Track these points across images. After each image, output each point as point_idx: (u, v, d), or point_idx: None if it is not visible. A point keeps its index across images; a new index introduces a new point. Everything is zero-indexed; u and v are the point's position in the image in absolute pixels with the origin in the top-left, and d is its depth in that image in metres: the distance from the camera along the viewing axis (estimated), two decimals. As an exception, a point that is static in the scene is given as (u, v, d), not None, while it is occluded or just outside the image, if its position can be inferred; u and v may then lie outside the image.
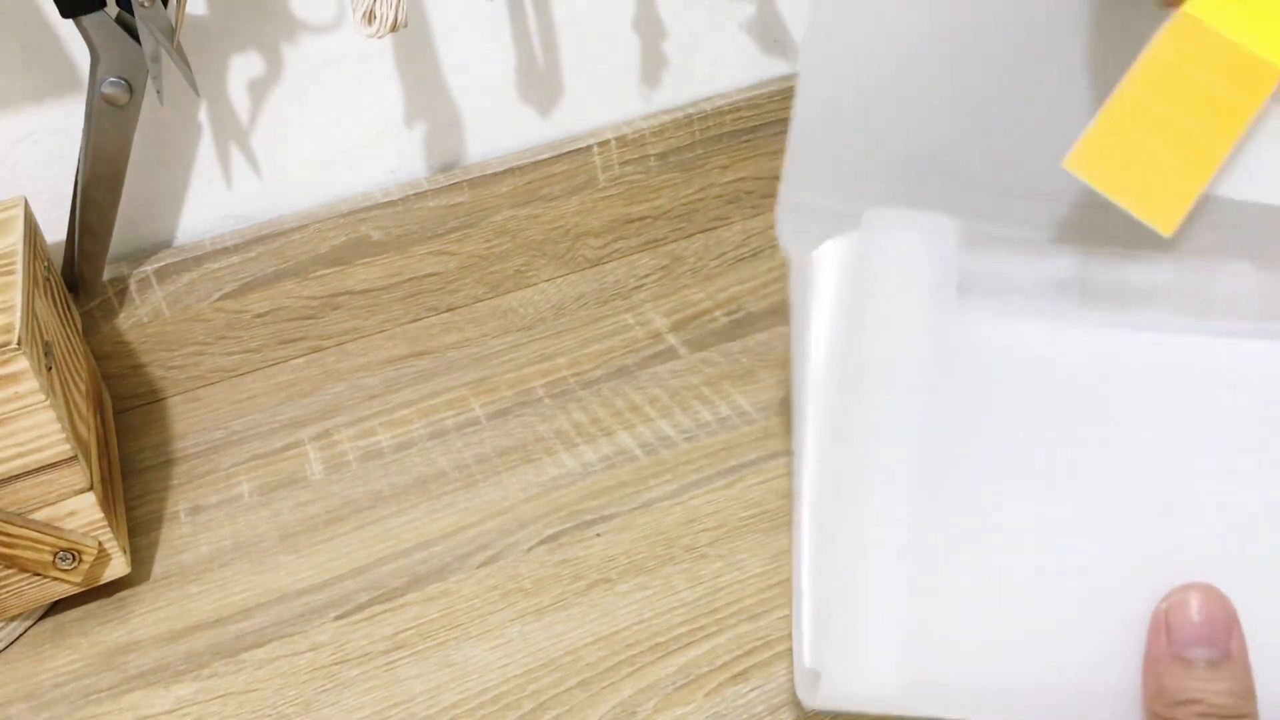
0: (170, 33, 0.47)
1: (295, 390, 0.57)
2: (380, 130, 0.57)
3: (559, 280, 0.61)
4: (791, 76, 0.63)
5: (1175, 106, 0.30)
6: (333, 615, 0.44)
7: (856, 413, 0.31)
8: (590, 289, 0.61)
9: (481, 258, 0.60)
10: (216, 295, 0.55)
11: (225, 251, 0.54)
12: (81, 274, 0.52)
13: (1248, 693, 0.28)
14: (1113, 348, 0.30)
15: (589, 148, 0.59)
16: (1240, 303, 0.31)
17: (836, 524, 0.31)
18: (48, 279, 0.48)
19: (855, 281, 0.32)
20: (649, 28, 0.60)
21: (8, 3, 0.48)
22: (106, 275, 0.53)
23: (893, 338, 0.31)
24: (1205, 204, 0.30)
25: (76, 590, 0.44)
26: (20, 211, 0.48)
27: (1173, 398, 0.30)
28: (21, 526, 0.42)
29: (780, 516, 0.46)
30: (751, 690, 0.40)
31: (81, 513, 0.43)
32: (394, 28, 0.46)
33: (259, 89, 0.54)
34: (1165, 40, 0.29)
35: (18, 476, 0.42)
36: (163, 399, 0.57)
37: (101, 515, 0.44)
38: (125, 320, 0.54)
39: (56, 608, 0.46)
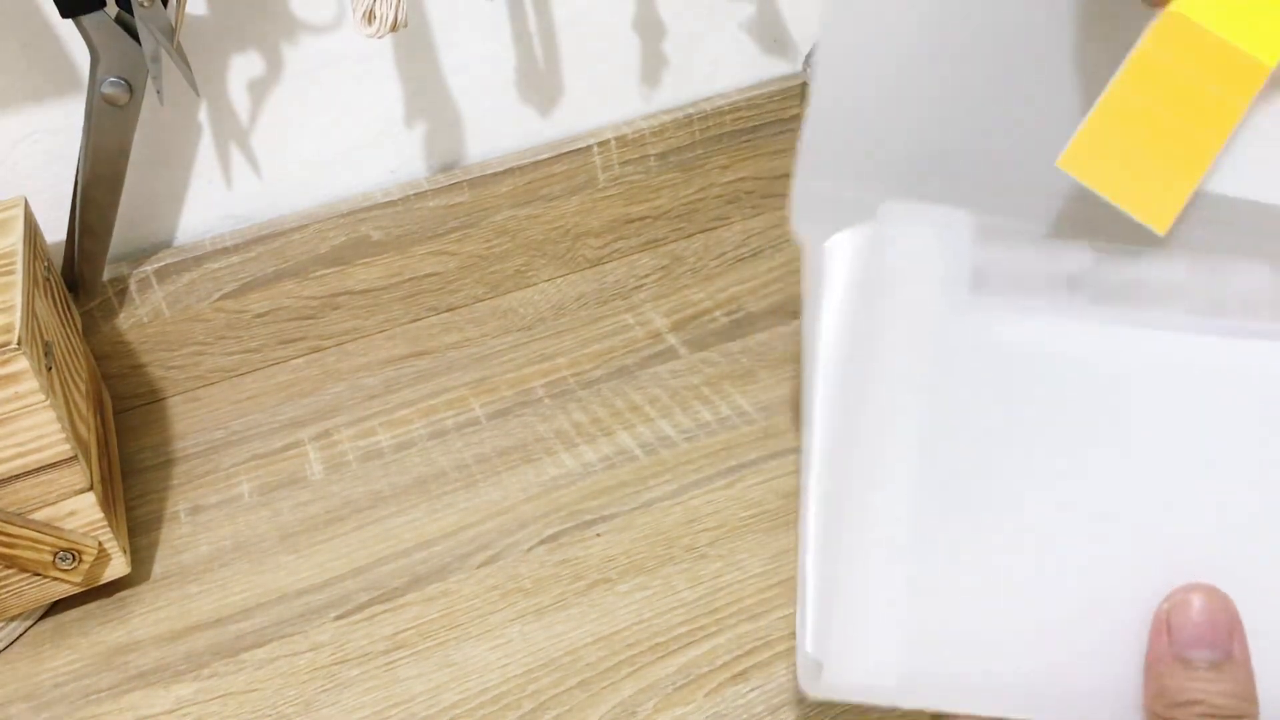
0: (170, 33, 0.47)
1: (295, 390, 0.57)
2: (380, 130, 0.57)
3: (559, 280, 0.61)
4: (792, 76, 0.63)
5: (1166, 104, 0.30)
6: (333, 615, 0.44)
7: (864, 406, 0.31)
8: (590, 289, 0.61)
9: (481, 258, 0.60)
10: (216, 295, 0.55)
11: (225, 251, 0.54)
12: (81, 274, 0.52)
13: (1249, 694, 0.28)
14: (1123, 346, 0.30)
15: (589, 148, 0.59)
16: (1254, 303, 0.31)
17: (842, 516, 0.31)
18: (48, 279, 0.48)
19: (867, 274, 0.32)
20: (649, 28, 0.60)
21: (8, 3, 0.48)
22: (106, 275, 0.53)
23: (904, 330, 0.31)
24: (1218, 203, 0.30)
25: (76, 590, 0.44)
26: (20, 211, 0.48)
27: (1182, 397, 0.30)
28: (21, 526, 0.42)
29: (780, 516, 0.46)
30: (751, 690, 0.40)
31: (81, 513, 0.43)
32: (394, 28, 0.46)
33: (259, 89, 0.54)
34: (1154, 38, 0.29)
35: (18, 476, 0.42)
36: (163, 399, 0.57)
37: (101, 515, 0.44)
38: (125, 320, 0.54)
39: (56, 608, 0.46)
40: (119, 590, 0.46)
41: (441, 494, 0.49)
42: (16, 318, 0.41)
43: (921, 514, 0.31)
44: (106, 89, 0.47)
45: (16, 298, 0.42)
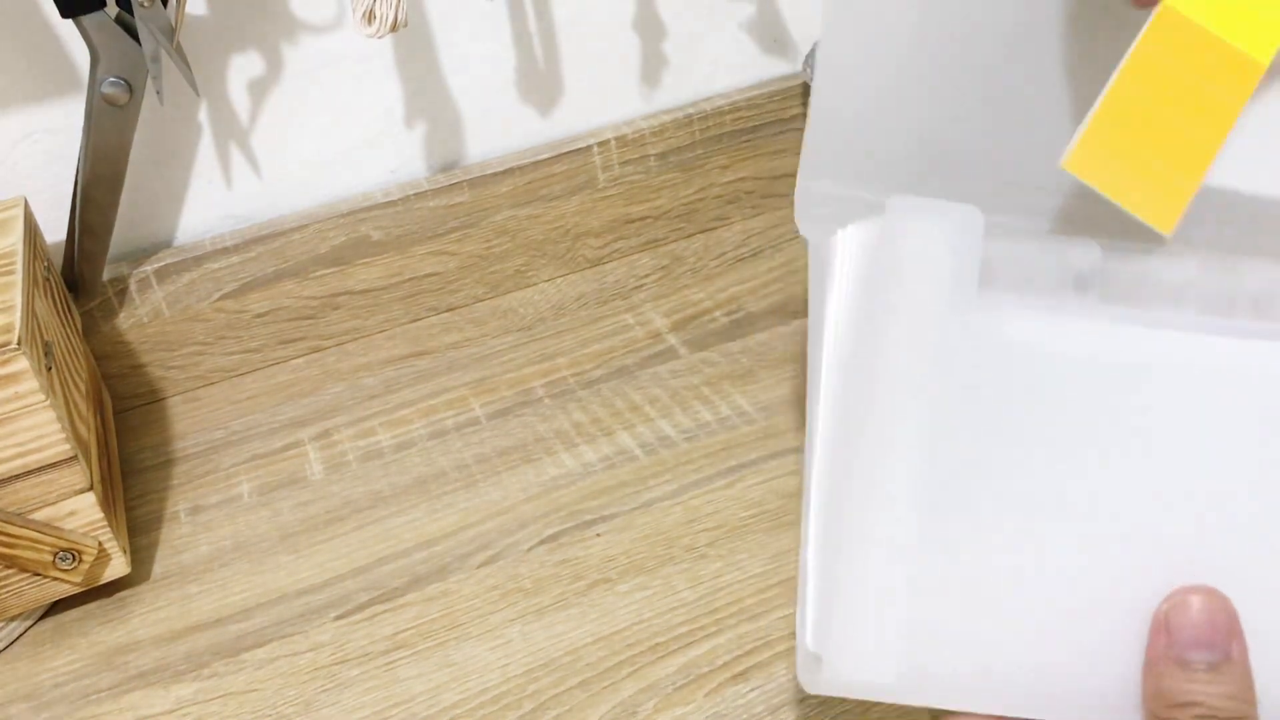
0: (170, 33, 0.47)
1: (295, 390, 0.57)
2: (380, 130, 0.57)
3: (559, 280, 0.61)
4: (792, 76, 0.63)
5: (1165, 103, 0.29)
6: (333, 615, 0.44)
7: (868, 401, 0.31)
8: (590, 289, 0.61)
9: (481, 258, 0.60)
10: (216, 295, 0.55)
11: (225, 251, 0.54)
12: (81, 274, 0.52)
13: (1248, 696, 0.28)
14: (1130, 345, 0.30)
15: (589, 148, 0.59)
16: (1265, 303, 0.30)
17: (844, 511, 0.31)
18: (48, 279, 0.48)
19: (873, 269, 0.32)
20: (649, 28, 0.60)
21: (8, 3, 0.48)
22: (106, 275, 0.53)
23: (910, 325, 0.31)
24: (1227, 198, 0.30)
25: (76, 590, 0.44)
26: (20, 211, 0.48)
27: (1188, 397, 0.30)
28: (21, 526, 0.42)
29: (780, 516, 0.46)
30: (751, 690, 0.40)
31: (81, 513, 0.43)
32: (394, 28, 0.46)
33: (259, 89, 0.54)
34: (1151, 36, 0.29)
35: (18, 476, 0.42)
36: (163, 399, 0.57)
37: (101, 515, 0.44)
38: (125, 320, 0.54)
39: (56, 608, 0.46)
40: (119, 590, 0.46)
41: (441, 494, 0.49)
42: (16, 318, 0.41)
43: (923, 511, 0.30)
44: (106, 89, 0.47)
45: (16, 298, 0.42)
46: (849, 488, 0.31)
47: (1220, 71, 0.29)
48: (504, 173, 0.58)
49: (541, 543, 0.46)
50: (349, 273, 0.57)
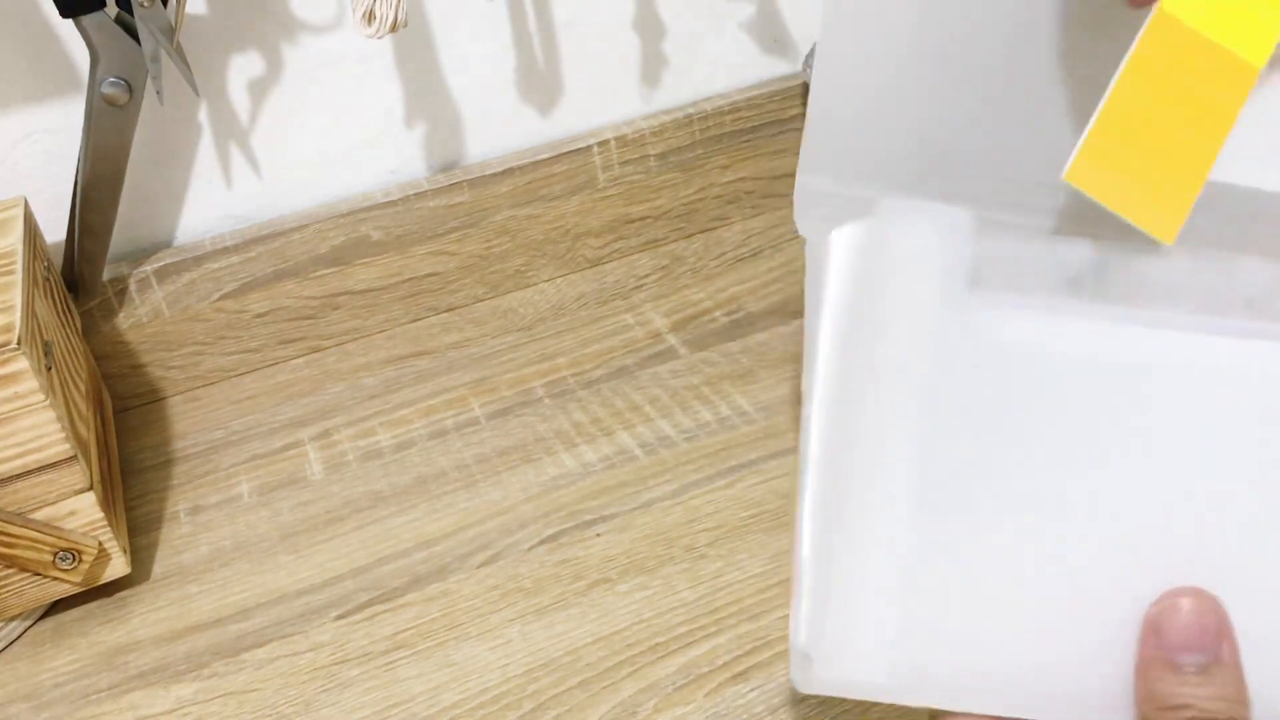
0: (170, 33, 0.47)
1: (295, 390, 0.57)
2: (380, 130, 0.57)
3: (559, 280, 0.61)
4: (792, 76, 0.63)
5: (1163, 111, 0.29)
6: (333, 615, 0.44)
7: (862, 402, 0.31)
8: (590, 289, 0.61)
9: (481, 258, 0.60)
10: (216, 295, 0.55)
11: (225, 251, 0.54)
12: (81, 274, 0.52)
13: (1239, 698, 0.28)
14: (1123, 345, 0.30)
15: (589, 148, 0.59)
16: (1259, 302, 0.30)
17: (838, 511, 0.31)
18: (47, 279, 0.48)
19: (866, 270, 0.32)
20: (649, 28, 0.60)
21: (8, 3, 0.48)
22: (106, 275, 0.53)
23: (902, 327, 0.31)
24: (1220, 193, 0.30)
25: (76, 590, 0.44)
26: (20, 211, 0.48)
27: (1183, 397, 0.30)
28: (21, 526, 0.42)
29: (780, 516, 0.46)
30: (751, 690, 0.40)
31: (81, 513, 0.43)
32: (394, 28, 0.46)
33: (259, 89, 0.54)
34: (1147, 41, 0.29)
35: (18, 476, 0.42)
36: (162, 399, 0.57)
37: (101, 515, 0.44)
38: (125, 320, 0.54)
39: (56, 608, 0.46)
40: (119, 590, 0.46)
41: (441, 494, 0.49)
42: (16, 318, 0.41)
43: (917, 511, 0.30)
44: (106, 89, 0.47)
45: (16, 298, 0.42)
46: (843, 488, 0.31)
47: (1215, 76, 0.29)
48: (504, 173, 0.58)
49: (541, 543, 0.46)
50: (349, 273, 0.57)
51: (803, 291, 0.34)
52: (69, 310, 0.51)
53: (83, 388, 0.48)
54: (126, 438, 0.55)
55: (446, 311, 0.60)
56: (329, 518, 0.49)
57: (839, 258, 0.32)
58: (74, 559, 0.43)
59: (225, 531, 0.49)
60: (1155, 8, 0.29)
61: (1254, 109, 0.29)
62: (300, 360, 0.58)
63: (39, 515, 0.43)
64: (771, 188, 0.64)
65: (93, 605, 0.46)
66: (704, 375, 0.55)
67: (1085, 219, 0.33)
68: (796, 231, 0.35)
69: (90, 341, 0.54)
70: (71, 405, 0.45)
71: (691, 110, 0.61)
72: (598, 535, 0.47)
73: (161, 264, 0.54)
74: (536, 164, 0.58)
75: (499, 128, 0.59)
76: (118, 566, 0.45)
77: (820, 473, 0.32)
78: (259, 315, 0.56)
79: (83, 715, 0.42)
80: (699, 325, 0.58)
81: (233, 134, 0.54)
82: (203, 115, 0.53)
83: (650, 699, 0.40)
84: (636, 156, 0.60)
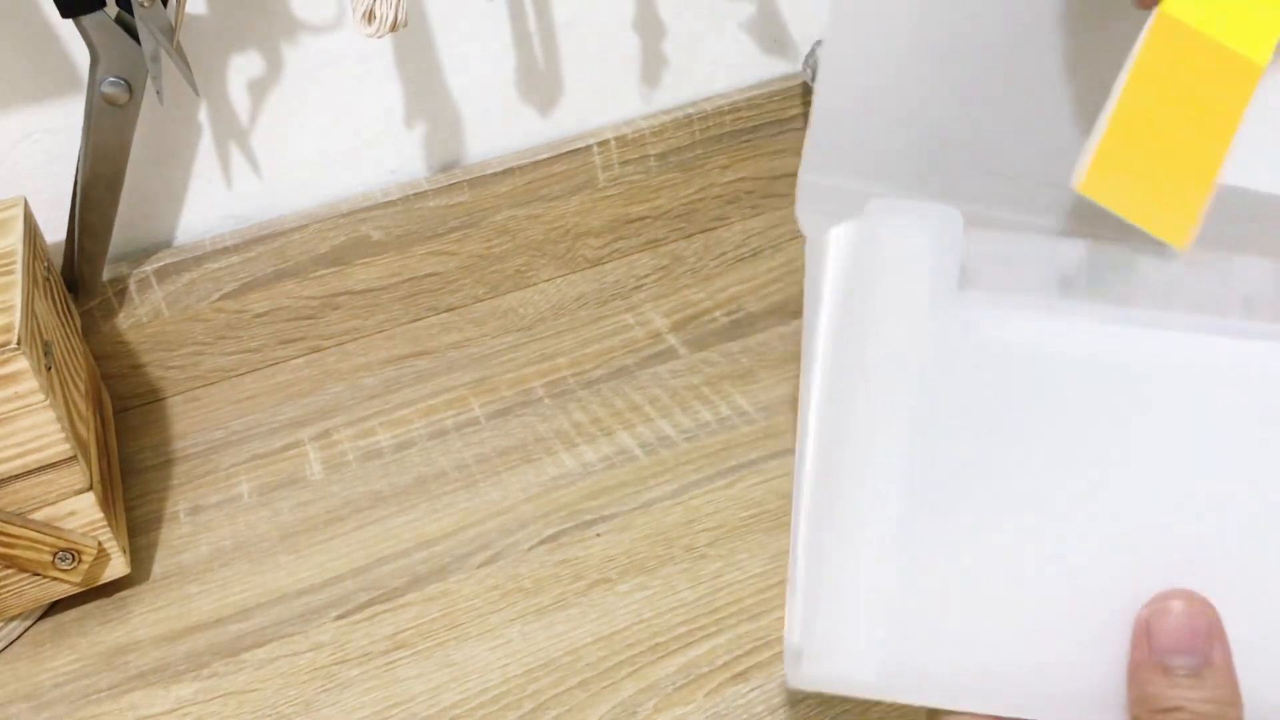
0: (170, 32, 0.47)
1: (295, 390, 0.57)
2: (380, 130, 0.57)
3: (559, 280, 0.61)
4: (792, 76, 0.63)
5: (1171, 114, 0.29)
6: (333, 615, 0.44)
7: (855, 401, 0.31)
8: (590, 289, 0.61)
9: (481, 258, 0.60)
10: (216, 295, 0.55)
11: (225, 251, 0.54)
12: (81, 274, 0.52)
13: (1231, 699, 0.28)
14: (1116, 345, 0.30)
15: (589, 148, 0.59)
16: (1255, 302, 0.30)
17: (832, 509, 0.31)
18: (47, 279, 0.48)
19: (858, 270, 0.32)
20: (649, 28, 0.60)
21: (8, 3, 0.48)
22: (106, 275, 0.53)
23: (893, 326, 0.31)
24: (1218, 195, 0.30)
25: (76, 590, 0.44)
26: (20, 211, 0.48)
27: (1176, 398, 0.30)
28: (21, 526, 0.42)
29: (780, 516, 0.46)
30: (751, 690, 0.40)
31: (81, 513, 0.43)
32: (394, 27, 0.46)
33: (259, 89, 0.54)
34: (1150, 45, 0.29)
35: (17, 476, 0.41)
36: (162, 399, 0.57)
37: (101, 515, 0.44)
38: (125, 320, 0.54)
39: (56, 608, 0.46)
40: (119, 590, 0.46)
41: (441, 494, 0.49)
42: (16, 318, 0.41)
43: (909, 510, 0.30)
44: (106, 89, 0.47)
45: (16, 298, 0.42)
46: (837, 486, 0.31)
47: (1220, 76, 0.29)
48: (504, 173, 0.58)
49: (541, 543, 0.46)
50: (349, 273, 0.57)
51: (803, 291, 0.34)
52: (69, 310, 0.51)
53: (82, 388, 0.48)
54: (126, 438, 0.55)
55: (446, 311, 0.60)
56: (329, 518, 0.49)
57: (835, 256, 0.32)
58: (74, 559, 0.43)
59: (225, 531, 0.49)
60: (1155, 11, 0.29)
61: (1249, 110, 0.29)
62: (300, 360, 0.58)
63: (39, 515, 0.43)
64: (771, 188, 0.64)
65: (92, 605, 0.46)
66: (704, 375, 0.55)
67: (1090, 214, 0.33)
68: (796, 231, 0.35)
69: (90, 341, 0.54)
70: (71, 405, 0.45)
71: (691, 110, 0.61)
72: (598, 535, 0.47)
73: (161, 264, 0.54)
74: (536, 164, 0.58)
75: (499, 128, 0.59)
76: (117, 567, 0.45)
77: (814, 471, 0.32)
78: (259, 315, 0.56)
79: (83, 715, 0.42)
80: (699, 325, 0.58)
81: (233, 134, 0.54)
82: (203, 115, 0.53)
83: (650, 699, 0.40)
84: (636, 156, 0.60)
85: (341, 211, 0.56)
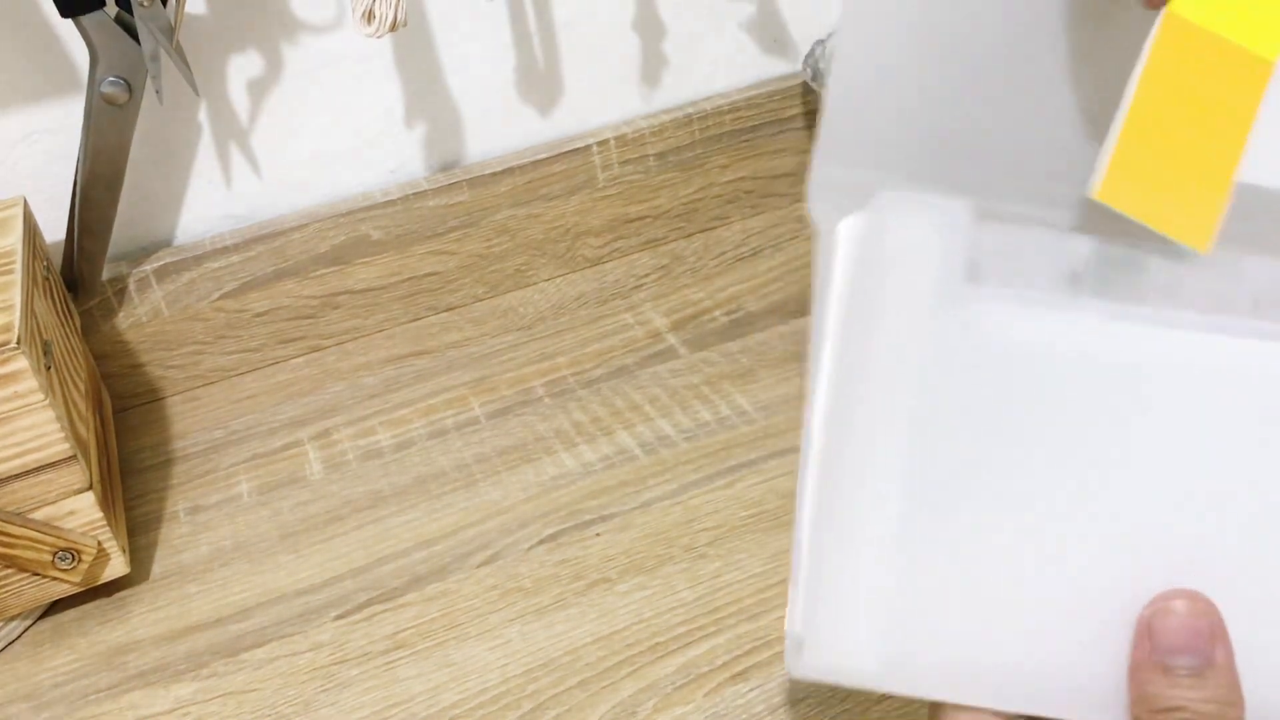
0: (170, 32, 0.47)
1: (295, 390, 0.57)
2: (380, 130, 0.57)
3: (559, 280, 0.61)
4: (792, 76, 0.63)
5: (1184, 116, 0.29)
6: (333, 615, 0.44)
7: (860, 394, 0.31)
8: (590, 289, 0.61)
9: (481, 257, 0.60)
10: (216, 295, 0.55)
11: (225, 251, 0.54)
12: (81, 273, 0.52)
13: (1233, 700, 0.28)
14: (1122, 343, 0.30)
15: (588, 148, 0.59)
16: (1264, 301, 0.30)
17: (835, 502, 0.31)
18: (47, 278, 0.48)
19: (865, 264, 0.32)
20: (649, 28, 0.60)
21: (8, 3, 0.48)
22: (106, 275, 0.53)
23: (898, 320, 0.31)
24: (1236, 192, 0.30)
25: (76, 590, 0.44)
26: (20, 211, 0.48)
27: (1182, 397, 0.30)
28: (21, 526, 0.42)
29: (780, 516, 0.46)
30: (751, 690, 0.40)
31: (81, 512, 0.43)
32: (394, 27, 0.46)
33: (259, 89, 0.54)
34: (1159, 46, 0.29)
35: (17, 476, 0.41)
36: (162, 399, 0.57)
37: (101, 515, 0.44)
38: (124, 320, 0.54)
39: (56, 608, 0.46)
40: (118, 590, 0.46)
41: (441, 494, 0.49)
42: (16, 317, 0.41)
43: (912, 505, 0.30)
44: (106, 89, 0.47)
45: (16, 297, 0.42)
46: (841, 480, 0.31)
47: (1231, 74, 0.29)
48: (504, 172, 0.58)
49: (541, 542, 0.46)
50: (349, 272, 0.57)
51: (803, 291, 0.34)
52: (69, 310, 0.51)
53: (82, 387, 0.48)
54: (126, 438, 0.55)
55: (446, 311, 0.60)
56: (329, 517, 0.49)
57: (843, 249, 0.32)
58: (73, 559, 0.43)
59: (225, 531, 0.49)
60: (1163, 11, 0.29)
61: (1261, 106, 0.29)
62: (300, 360, 0.58)
63: (38, 515, 0.43)
64: (771, 187, 0.64)
65: (92, 605, 0.46)
66: (704, 375, 0.55)
67: (1103, 213, 0.33)
68: (796, 231, 0.35)
69: (90, 341, 0.54)
70: (71, 405, 0.45)
71: (691, 110, 0.61)
72: (597, 535, 0.47)
73: (161, 263, 0.54)
74: (536, 164, 0.58)
75: (498, 127, 0.59)
76: (117, 566, 0.45)
77: (819, 464, 0.32)
78: (259, 315, 0.56)
79: (82, 715, 0.42)
80: (699, 325, 0.58)
81: (232, 134, 0.54)
82: (203, 115, 0.53)
83: (650, 699, 0.40)
84: (636, 156, 0.60)
85: (341, 211, 0.56)
